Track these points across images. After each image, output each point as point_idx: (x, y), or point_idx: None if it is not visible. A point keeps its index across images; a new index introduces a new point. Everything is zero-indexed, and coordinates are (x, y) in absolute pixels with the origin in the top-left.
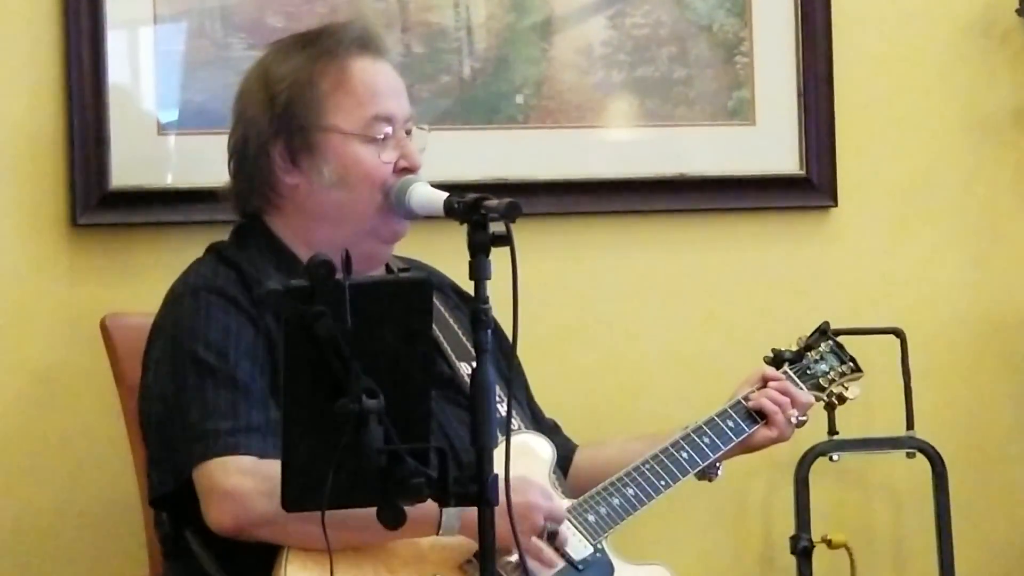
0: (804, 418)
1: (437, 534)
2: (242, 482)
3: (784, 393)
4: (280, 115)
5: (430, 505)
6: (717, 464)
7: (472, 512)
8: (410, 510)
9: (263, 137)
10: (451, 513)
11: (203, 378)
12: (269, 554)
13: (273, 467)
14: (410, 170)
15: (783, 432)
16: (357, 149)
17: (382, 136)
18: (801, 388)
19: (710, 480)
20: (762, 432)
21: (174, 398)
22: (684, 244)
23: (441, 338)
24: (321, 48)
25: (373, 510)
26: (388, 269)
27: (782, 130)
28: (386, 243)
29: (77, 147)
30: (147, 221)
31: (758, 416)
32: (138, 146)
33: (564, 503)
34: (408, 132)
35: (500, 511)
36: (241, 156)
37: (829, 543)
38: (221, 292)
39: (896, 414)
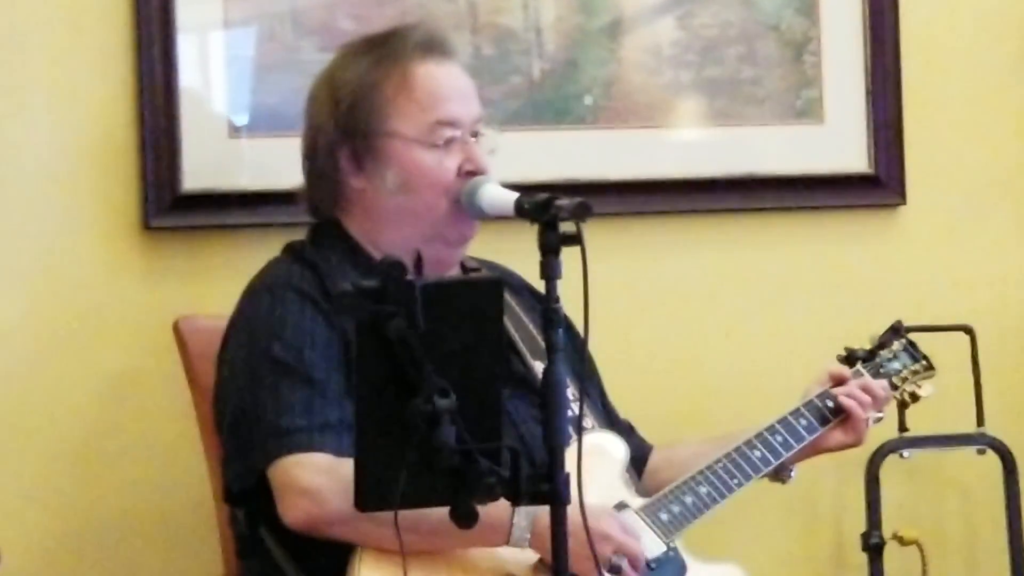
0: (881, 415)
1: (507, 544)
2: (317, 480)
3: (866, 391)
4: (345, 120)
5: (501, 516)
6: (790, 466)
7: (541, 525)
8: (481, 520)
9: (330, 141)
10: (521, 525)
11: (279, 376)
12: (343, 553)
13: (348, 466)
14: (475, 173)
15: (859, 434)
16: (419, 155)
17: (443, 142)
18: None
19: (783, 482)
20: (837, 435)
21: (250, 395)
22: (753, 243)
23: (516, 336)
24: (385, 52)
25: (445, 515)
26: (464, 270)
27: (850, 129)
28: (454, 246)
29: (149, 151)
30: (219, 224)
31: (831, 415)
32: (210, 149)
33: (637, 502)
34: (476, 134)
35: (574, 531)
36: (311, 159)
37: (900, 540)
38: (297, 290)
39: (967, 411)
